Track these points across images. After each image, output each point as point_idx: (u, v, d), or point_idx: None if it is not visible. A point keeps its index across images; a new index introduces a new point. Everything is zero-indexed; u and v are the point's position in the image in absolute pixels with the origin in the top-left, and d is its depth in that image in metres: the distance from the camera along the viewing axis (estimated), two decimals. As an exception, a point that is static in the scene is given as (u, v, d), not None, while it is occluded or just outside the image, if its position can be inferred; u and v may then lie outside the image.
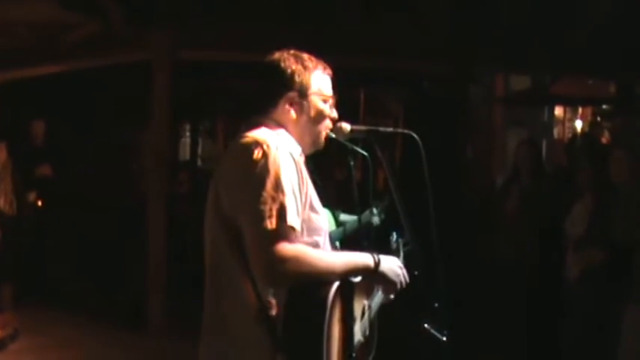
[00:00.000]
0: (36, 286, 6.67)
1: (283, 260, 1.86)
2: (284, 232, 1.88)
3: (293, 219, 1.90)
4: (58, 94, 8.10)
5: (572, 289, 4.41)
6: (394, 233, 2.38)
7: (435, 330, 2.18)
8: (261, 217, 1.88)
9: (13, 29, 6.38)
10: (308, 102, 2.12)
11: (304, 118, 2.13)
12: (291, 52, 2.14)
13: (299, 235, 1.93)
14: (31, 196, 6.28)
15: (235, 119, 14.32)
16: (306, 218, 2.00)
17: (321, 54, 2.19)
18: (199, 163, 14.21)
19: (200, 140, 15.41)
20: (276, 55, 2.13)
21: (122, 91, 8.81)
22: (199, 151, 15.09)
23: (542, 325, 4.83)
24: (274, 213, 1.88)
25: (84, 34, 6.49)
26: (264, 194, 1.89)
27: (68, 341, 5.80)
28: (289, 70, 2.10)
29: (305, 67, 2.12)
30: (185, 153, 14.53)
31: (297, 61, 2.12)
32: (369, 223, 3.87)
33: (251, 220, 1.90)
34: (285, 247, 1.86)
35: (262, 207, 1.88)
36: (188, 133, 15.02)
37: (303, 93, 2.11)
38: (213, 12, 6.32)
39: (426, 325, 2.19)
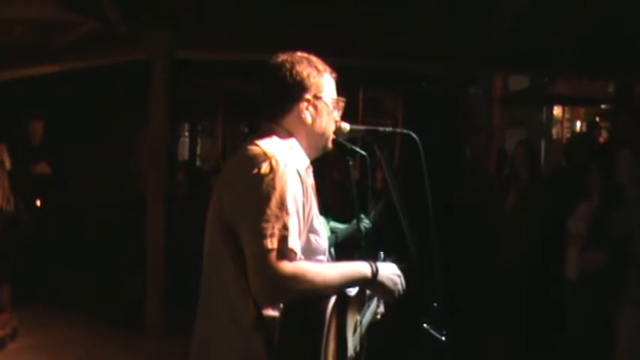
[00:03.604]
0: (35, 286, 6.66)
1: (282, 280, 1.82)
2: (283, 252, 1.83)
3: (294, 241, 1.86)
4: (56, 93, 8.09)
5: (573, 288, 4.40)
6: (381, 254, 2.36)
7: (434, 330, 2.16)
8: (262, 235, 1.83)
9: (11, 28, 6.37)
10: (323, 104, 2.10)
11: (318, 121, 2.10)
12: (300, 54, 2.11)
13: (299, 254, 1.89)
14: (20, 204, 6.24)
15: (235, 119, 14.38)
16: (305, 240, 1.97)
17: (320, 54, 2.18)
18: (198, 163, 14.22)
19: (199, 140, 15.42)
20: (287, 57, 2.09)
21: (120, 91, 8.81)
22: (198, 151, 15.11)
23: (542, 324, 4.83)
24: (276, 232, 1.84)
25: (81, 34, 6.48)
26: (268, 212, 1.85)
27: (67, 341, 5.79)
28: (305, 72, 2.06)
29: (317, 70, 2.09)
30: (184, 153, 14.54)
31: (309, 64, 2.09)
32: (364, 228, 3.86)
33: (252, 237, 1.86)
34: (284, 267, 1.82)
35: (265, 225, 1.84)
36: (187, 133, 15.05)
37: (318, 95, 2.09)
38: (210, 11, 6.31)
39: (425, 325, 2.17)
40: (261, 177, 1.88)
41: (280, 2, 6.28)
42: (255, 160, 1.92)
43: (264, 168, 1.89)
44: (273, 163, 1.90)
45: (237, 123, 14.65)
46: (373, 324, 2.34)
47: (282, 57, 2.09)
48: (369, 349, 2.28)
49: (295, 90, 2.06)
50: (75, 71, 7.11)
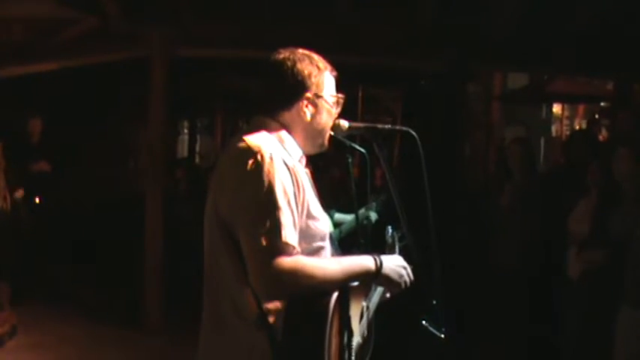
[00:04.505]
0: (34, 284, 6.66)
1: (280, 275, 1.82)
2: (279, 247, 1.84)
3: (288, 234, 1.86)
4: (55, 91, 8.09)
5: (573, 288, 4.40)
6: (389, 227, 2.35)
7: (433, 327, 2.17)
8: (256, 233, 1.84)
9: (10, 26, 6.36)
10: (323, 102, 2.10)
11: (318, 118, 2.10)
12: (301, 51, 2.10)
13: (296, 247, 1.89)
14: (19, 193, 6.22)
15: (234, 116, 14.39)
16: (304, 227, 1.96)
17: (319, 51, 2.18)
18: (197, 160, 14.22)
19: (198, 137, 15.43)
20: (288, 55, 2.07)
21: (120, 88, 8.81)
22: (197, 148, 15.11)
23: (542, 324, 4.82)
24: (268, 229, 1.84)
25: (80, 31, 6.47)
26: (259, 209, 1.86)
27: (66, 339, 5.79)
28: (306, 71, 2.05)
29: (318, 68, 2.09)
30: (183, 150, 14.55)
31: (311, 62, 2.08)
32: (367, 219, 3.88)
33: (246, 235, 1.87)
34: (282, 262, 1.82)
35: (257, 222, 1.85)
36: (186, 130, 15.05)
37: (318, 94, 2.09)
38: (210, 9, 6.30)
39: (424, 323, 2.17)
40: (247, 174, 1.89)
41: (279, 0, 6.28)
42: (242, 157, 1.92)
43: (250, 164, 1.90)
44: (259, 157, 1.90)
45: (236, 120, 14.66)
46: (376, 323, 2.34)
47: (284, 54, 2.08)
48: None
49: (296, 89, 2.06)
50: (74, 69, 7.10)
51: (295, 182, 1.95)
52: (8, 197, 5.95)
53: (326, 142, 2.18)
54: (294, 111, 2.07)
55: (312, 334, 1.84)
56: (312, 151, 2.15)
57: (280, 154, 1.95)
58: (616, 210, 4.07)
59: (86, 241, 7.62)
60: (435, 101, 7.64)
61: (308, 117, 2.08)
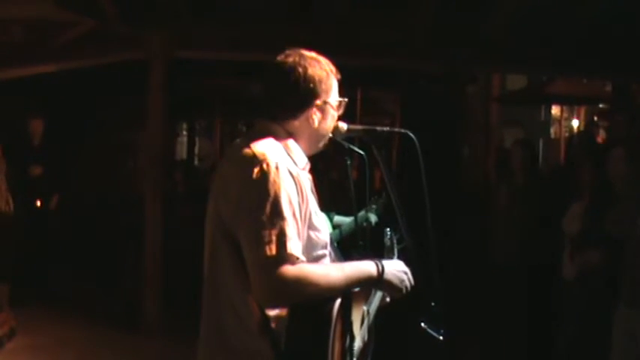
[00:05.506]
0: (33, 286, 6.65)
1: (284, 285, 1.81)
2: (284, 257, 1.82)
3: (293, 245, 1.84)
4: (55, 92, 8.09)
5: (568, 289, 4.41)
6: (387, 229, 2.35)
7: (432, 329, 2.17)
8: (260, 243, 1.82)
9: (9, 28, 6.36)
10: (329, 108, 2.09)
11: (323, 124, 2.08)
12: (309, 55, 2.06)
13: (300, 257, 1.87)
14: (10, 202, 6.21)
15: (233, 119, 14.38)
16: (306, 237, 1.95)
17: (319, 52, 2.17)
18: (196, 162, 14.22)
19: (197, 139, 15.43)
20: (298, 59, 2.03)
21: (119, 90, 8.81)
22: (196, 150, 15.11)
23: (539, 325, 4.83)
24: (273, 239, 1.82)
25: (79, 33, 6.47)
26: (263, 219, 1.83)
27: (64, 341, 5.79)
28: (317, 78, 2.02)
29: (326, 73, 2.06)
30: (182, 152, 14.55)
31: (321, 67, 2.05)
32: (367, 221, 3.89)
33: (250, 245, 1.85)
34: (286, 272, 1.81)
35: (261, 232, 1.83)
36: (185, 132, 15.05)
37: (326, 100, 2.07)
38: (209, 11, 6.31)
39: (422, 324, 2.17)
40: (253, 183, 1.87)
41: (279, 2, 6.28)
42: (247, 165, 1.89)
43: (256, 173, 1.87)
44: (264, 166, 1.88)
45: (235, 122, 14.65)
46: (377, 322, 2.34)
47: (293, 57, 2.04)
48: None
49: (307, 97, 2.03)
50: (74, 70, 7.11)
51: (300, 192, 1.93)
52: (11, 200, 5.94)
53: (325, 143, 2.17)
54: (302, 118, 2.05)
55: (316, 340, 1.84)
56: (313, 152, 2.14)
57: (285, 163, 1.93)
58: (611, 210, 4.08)
59: (86, 242, 7.62)
60: (434, 103, 7.65)
61: (315, 124, 2.06)
